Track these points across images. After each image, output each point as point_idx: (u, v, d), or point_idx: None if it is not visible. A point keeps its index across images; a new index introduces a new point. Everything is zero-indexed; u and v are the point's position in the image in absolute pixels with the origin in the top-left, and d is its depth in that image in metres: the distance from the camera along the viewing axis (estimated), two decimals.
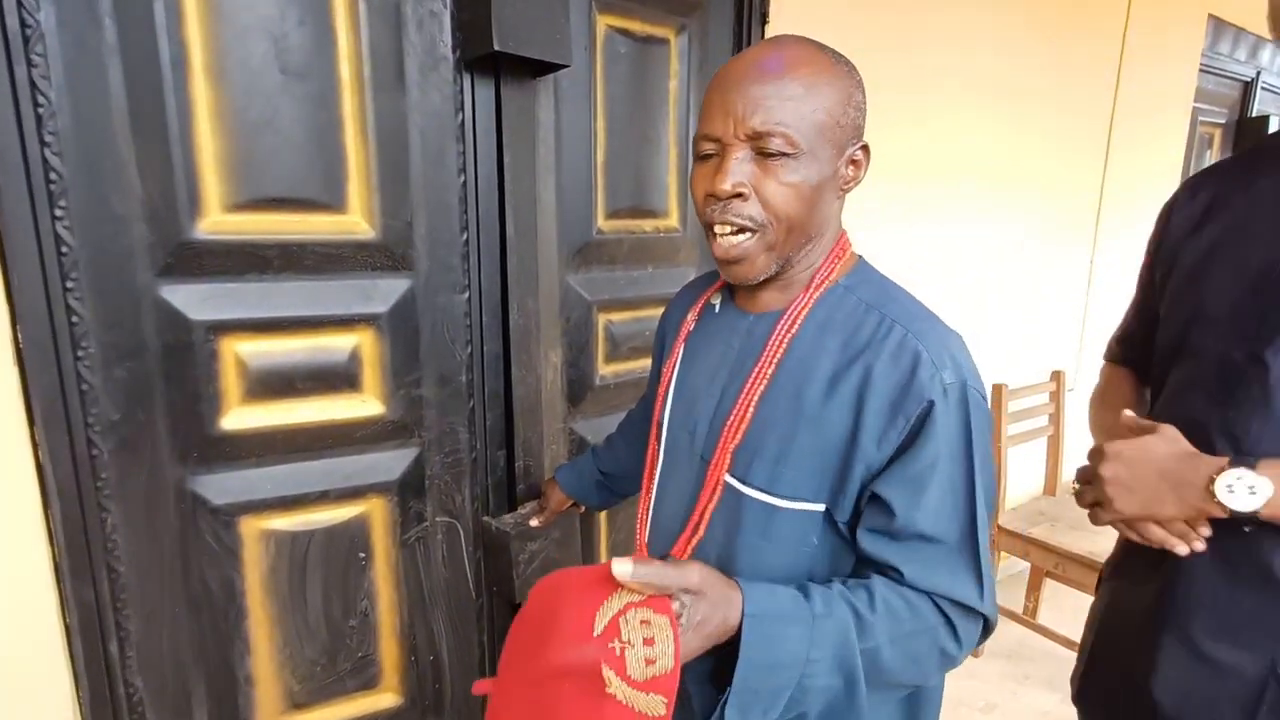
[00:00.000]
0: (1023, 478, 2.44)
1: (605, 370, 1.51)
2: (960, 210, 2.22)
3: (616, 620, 0.58)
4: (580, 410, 1.48)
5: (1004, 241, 2.41)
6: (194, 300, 1.02)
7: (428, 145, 1.15)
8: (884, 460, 0.66)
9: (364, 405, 1.17)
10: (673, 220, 1.55)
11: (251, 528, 1.12)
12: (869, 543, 0.68)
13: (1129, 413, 0.80)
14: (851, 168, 0.72)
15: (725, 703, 0.61)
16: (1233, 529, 0.72)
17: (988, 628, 0.70)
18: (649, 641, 0.57)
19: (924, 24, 1.94)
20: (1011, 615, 2.25)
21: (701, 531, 0.75)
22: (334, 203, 1.09)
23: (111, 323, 0.97)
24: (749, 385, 0.73)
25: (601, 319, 1.48)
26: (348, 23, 1.05)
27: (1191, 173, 3.40)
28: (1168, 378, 0.88)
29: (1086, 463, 0.80)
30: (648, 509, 0.86)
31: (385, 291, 1.16)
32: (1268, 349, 0.74)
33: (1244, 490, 0.67)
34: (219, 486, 1.09)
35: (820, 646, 0.62)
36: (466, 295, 1.23)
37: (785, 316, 0.74)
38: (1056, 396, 2.45)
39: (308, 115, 1.04)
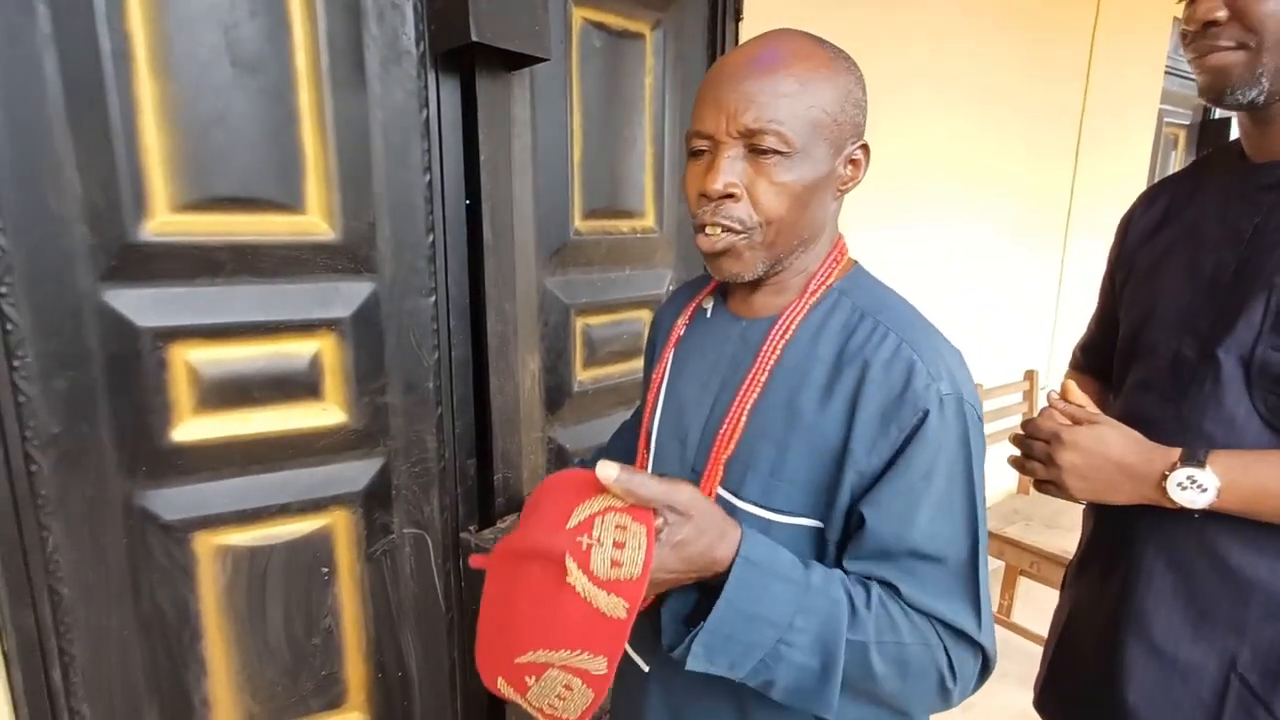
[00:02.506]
0: (997, 477, 2.45)
1: (584, 376, 1.48)
2: (933, 211, 2.22)
3: (593, 519, 0.58)
4: (559, 418, 1.44)
5: (976, 242, 2.42)
6: (141, 305, 0.96)
7: (390, 143, 1.10)
8: (875, 471, 0.63)
9: (325, 414, 1.12)
10: (649, 220, 1.52)
11: (206, 544, 1.07)
12: (856, 564, 0.64)
13: (1072, 387, 0.82)
14: (850, 167, 0.68)
15: (694, 636, 0.59)
16: (1184, 519, 0.75)
17: (986, 666, 0.65)
18: (619, 545, 0.56)
19: (896, 24, 1.92)
20: None
21: None
22: (291, 202, 1.04)
23: (50, 330, 0.91)
24: (741, 394, 0.69)
25: (579, 323, 1.44)
26: (303, 14, 1.00)
27: (1157, 173, 3.45)
28: (1126, 377, 0.89)
29: (1035, 433, 0.82)
30: None
31: (347, 295, 1.11)
32: (1219, 346, 0.75)
33: (1194, 489, 0.71)
34: (170, 501, 1.03)
35: (807, 616, 0.59)
36: (433, 299, 1.18)
37: (780, 322, 0.70)
38: (1030, 396, 2.47)
39: (261, 111, 0.99)
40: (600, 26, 1.34)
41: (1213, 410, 0.76)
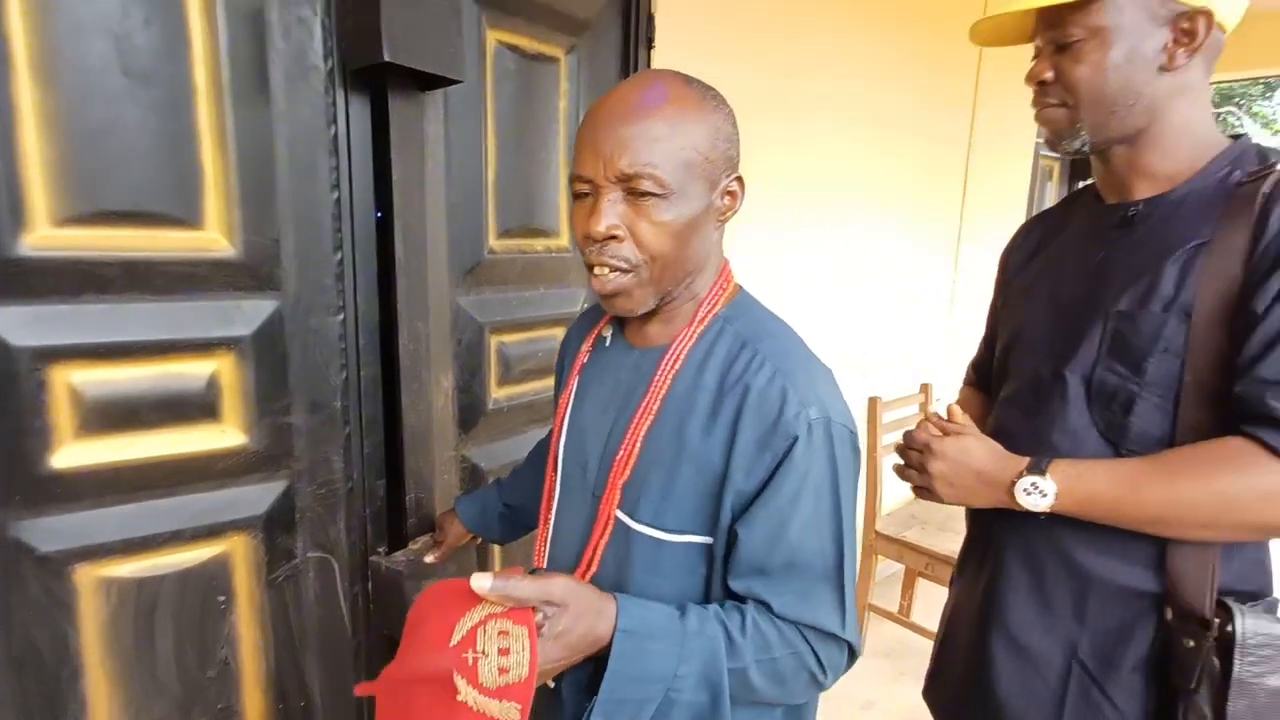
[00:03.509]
0: (896, 485, 2.60)
1: (498, 394, 1.48)
2: (835, 229, 2.35)
3: (475, 631, 0.60)
4: (472, 437, 1.43)
5: (877, 259, 2.58)
6: (16, 324, 0.91)
7: (296, 158, 1.08)
8: (751, 493, 0.68)
9: (223, 436, 1.08)
10: (563, 240, 1.55)
11: (88, 576, 1.00)
12: (737, 582, 0.69)
13: (953, 407, 0.91)
14: (727, 199, 0.73)
15: (591, 710, 0.63)
16: (1037, 521, 0.83)
17: (853, 655, 0.73)
18: (504, 651, 0.58)
19: (801, 52, 2.05)
20: (888, 615, 2.39)
21: (595, 567, 0.75)
22: (188, 218, 1.00)
23: None
24: (635, 422, 0.73)
25: (494, 341, 1.45)
26: (203, 26, 0.97)
27: (1035, 199, 3.76)
28: (999, 394, 0.98)
29: (911, 444, 0.90)
30: (545, 542, 0.85)
31: (249, 313, 1.08)
32: (1066, 367, 0.85)
33: (1037, 494, 0.79)
34: (48, 531, 0.97)
35: (689, 662, 0.65)
36: (341, 317, 1.16)
37: (669, 352, 0.74)
38: (925, 407, 2.63)
39: (156, 123, 0.95)
40: (514, 49, 1.36)
41: (1060, 424, 0.85)
